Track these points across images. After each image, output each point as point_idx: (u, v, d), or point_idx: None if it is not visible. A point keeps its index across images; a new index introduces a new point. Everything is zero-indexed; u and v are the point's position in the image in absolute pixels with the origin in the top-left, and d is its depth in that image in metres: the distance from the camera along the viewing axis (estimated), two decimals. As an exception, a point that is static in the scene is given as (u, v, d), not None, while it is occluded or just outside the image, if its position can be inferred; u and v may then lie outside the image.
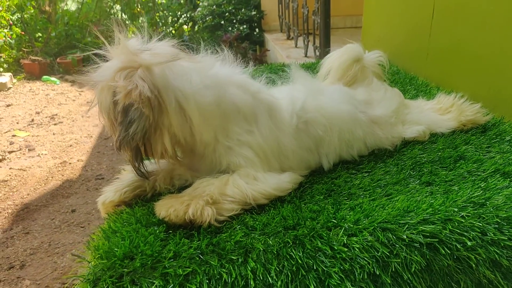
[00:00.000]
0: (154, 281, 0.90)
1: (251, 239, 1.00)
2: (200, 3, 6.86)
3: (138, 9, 8.13)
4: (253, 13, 6.40)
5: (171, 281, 0.90)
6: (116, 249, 0.98)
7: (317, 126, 1.32)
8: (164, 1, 8.19)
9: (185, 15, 7.77)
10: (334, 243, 0.98)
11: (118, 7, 8.12)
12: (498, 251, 0.98)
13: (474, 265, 0.98)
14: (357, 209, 1.10)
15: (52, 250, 2.42)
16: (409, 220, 1.03)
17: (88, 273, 0.93)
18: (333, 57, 1.66)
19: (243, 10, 6.40)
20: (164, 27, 8.18)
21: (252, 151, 1.18)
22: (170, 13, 8.10)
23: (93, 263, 0.97)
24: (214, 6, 6.49)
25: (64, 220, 2.72)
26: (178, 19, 8.01)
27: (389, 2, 2.73)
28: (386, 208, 1.09)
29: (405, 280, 0.97)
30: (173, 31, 7.97)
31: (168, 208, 1.05)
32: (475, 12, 1.90)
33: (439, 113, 1.64)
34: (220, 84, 1.18)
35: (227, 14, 6.40)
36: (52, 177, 3.29)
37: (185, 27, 7.93)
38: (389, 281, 0.95)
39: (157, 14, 8.15)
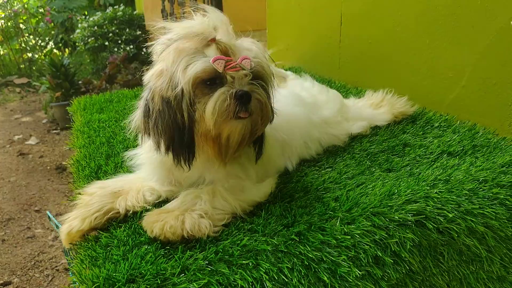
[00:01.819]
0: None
1: (256, 241, 0.98)
2: (80, 24, 6.48)
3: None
4: (139, 33, 6.24)
5: (187, 297, 0.85)
6: (115, 274, 0.89)
7: (281, 130, 1.35)
8: (31, 25, 7.57)
9: (55, 38, 7.27)
10: (336, 233, 1.01)
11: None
12: (473, 219, 1.09)
13: (456, 235, 1.08)
14: (343, 199, 1.14)
15: None
16: (395, 202, 1.09)
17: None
18: None
19: (127, 30, 6.22)
20: (31, 53, 7.59)
21: None
22: (39, 37, 7.53)
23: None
24: (95, 27, 6.20)
25: None
26: (47, 43, 7.48)
27: (295, 12, 2.86)
28: (369, 195, 1.15)
29: (403, 258, 1.03)
30: (42, 56, 7.42)
31: (162, 225, 0.99)
32: (382, 15, 2.09)
33: (372, 108, 1.77)
34: None
35: (110, 34, 6.15)
36: None
37: (56, 51, 7.41)
38: (391, 261, 1.00)
39: (21, 39, 7.51)
